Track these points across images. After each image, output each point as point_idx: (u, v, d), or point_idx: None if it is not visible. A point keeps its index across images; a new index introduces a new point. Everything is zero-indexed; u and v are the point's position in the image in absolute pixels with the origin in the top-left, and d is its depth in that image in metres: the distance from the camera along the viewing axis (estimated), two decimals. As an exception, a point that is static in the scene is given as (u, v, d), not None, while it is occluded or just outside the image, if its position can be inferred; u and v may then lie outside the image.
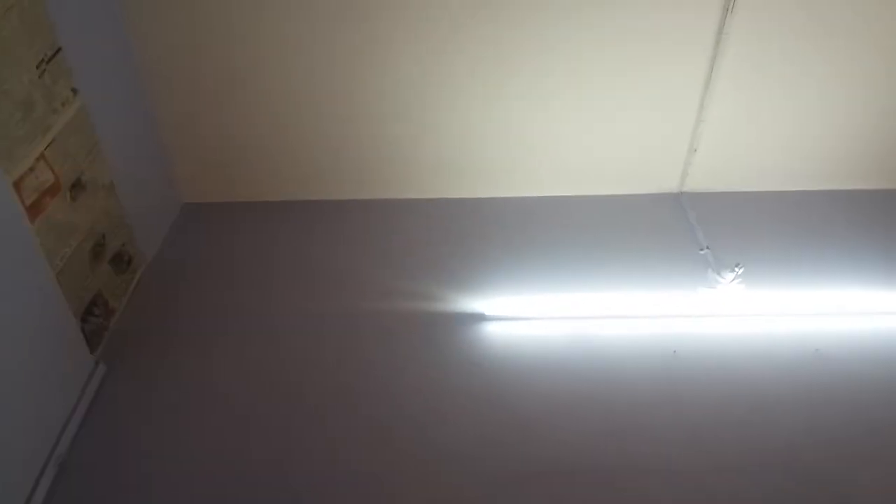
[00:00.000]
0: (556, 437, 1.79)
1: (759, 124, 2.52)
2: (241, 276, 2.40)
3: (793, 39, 2.28)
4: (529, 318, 2.16)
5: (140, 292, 2.32)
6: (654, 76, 2.38)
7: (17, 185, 1.69)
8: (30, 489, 1.64)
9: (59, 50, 1.84)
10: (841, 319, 2.14)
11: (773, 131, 2.54)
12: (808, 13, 2.21)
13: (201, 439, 1.82)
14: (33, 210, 1.75)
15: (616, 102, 2.46)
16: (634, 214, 2.63)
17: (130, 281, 2.32)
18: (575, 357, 2.03)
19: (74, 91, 1.93)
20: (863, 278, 2.27)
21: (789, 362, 2.00)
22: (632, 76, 2.38)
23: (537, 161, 2.63)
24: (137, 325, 2.19)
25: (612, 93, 2.43)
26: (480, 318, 2.16)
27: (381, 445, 1.79)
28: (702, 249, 2.32)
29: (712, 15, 2.21)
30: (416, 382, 1.98)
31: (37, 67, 1.75)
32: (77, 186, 1.97)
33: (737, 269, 2.07)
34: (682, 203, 2.66)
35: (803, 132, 2.54)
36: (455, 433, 1.81)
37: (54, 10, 1.80)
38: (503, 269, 2.37)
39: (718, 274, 2.13)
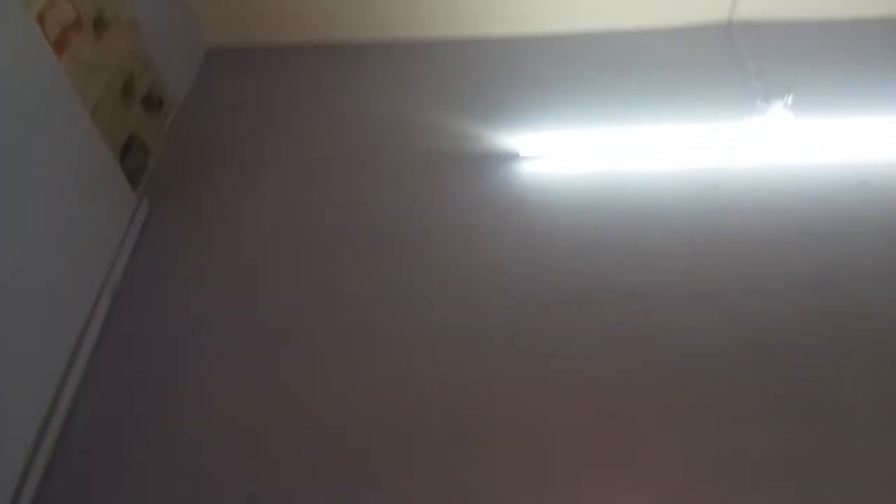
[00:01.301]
0: (588, 268, 1.81)
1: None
2: (273, 119, 2.37)
3: None
4: (566, 154, 2.12)
5: (175, 134, 2.32)
6: None
7: (40, 18, 1.65)
8: (88, 314, 1.74)
9: None
10: (890, 151, 2.05)
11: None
12: None
13: (245, 274, 1.89)
14: (59, 46, 1.72)
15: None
16: (680, 47, 2.49)
17: (164, 123, 2.32)
18: (611, 192, 2.00)
19: (87, -82, 1.83)
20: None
21: (835, 194, 1.95)
22: None
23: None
24: (175, 166, 2.21)
25: None
26: (515, 156, 2.13)
27: (420, 275, 1.84)
28: (752, 79, 2.20)
29: None
30: (452, 217, 1.99)
31: None
32: (100, 24, 1.92)
33: (787, 98, 1.97)
34: (731, 34, 2.49)
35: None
36: (490, 263, 1.85)
37: None
38: (542, 106, 2.30)
39: (767, 102, 2.04)
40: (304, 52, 2.64)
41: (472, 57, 2.55)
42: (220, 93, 2.50)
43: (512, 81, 2.41)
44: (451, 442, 1.49)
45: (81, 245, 1.76)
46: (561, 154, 2.10)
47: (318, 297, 1.80)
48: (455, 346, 1.66)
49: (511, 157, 2.12)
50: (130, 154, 2.06)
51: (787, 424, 1.48)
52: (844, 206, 1.91)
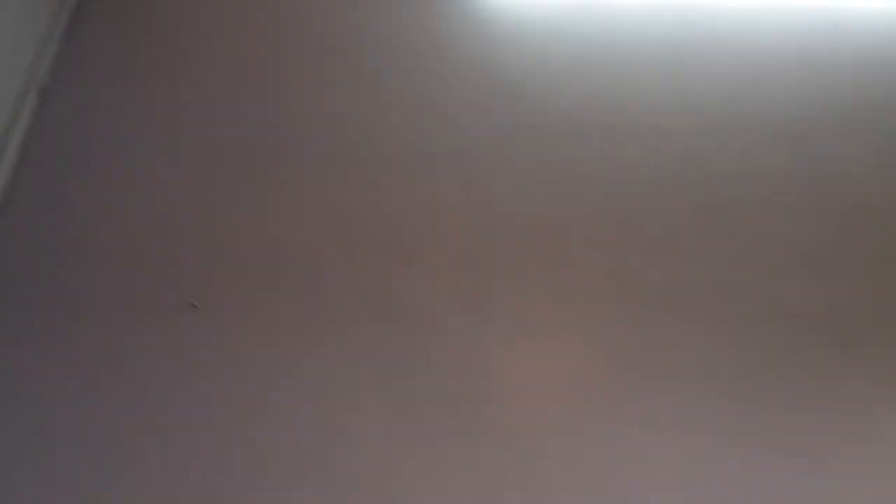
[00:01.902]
0: (550, 99, 1.74)
1: None
2: None
3: None
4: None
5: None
6: None
7: None
8: (10, 113, 1.61)
9: None
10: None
11: None
12: None
13: (184, 76, 1.76)
14: None
15: None
16: None
17: None
18: (578, 23, 1.91)
19: None
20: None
21: (803, 35, 1.89)
22: None
23: None
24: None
25: None
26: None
27: (372, 97, 1.74)
28: None
29: None
30: (413, 43, 1.87)
31: None
32: None
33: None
34: None
35: None
36: (451, 91, 1.76)
37: None
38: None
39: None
40: None
41: None
42: None
43: None
44: (396, 262, 1.47)
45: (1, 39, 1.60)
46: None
47: (260, 105, 1.70)
48: (406, 169, 1.61)
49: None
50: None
51: (719, 259, 1.51)
52: (814, 49, 1.87)
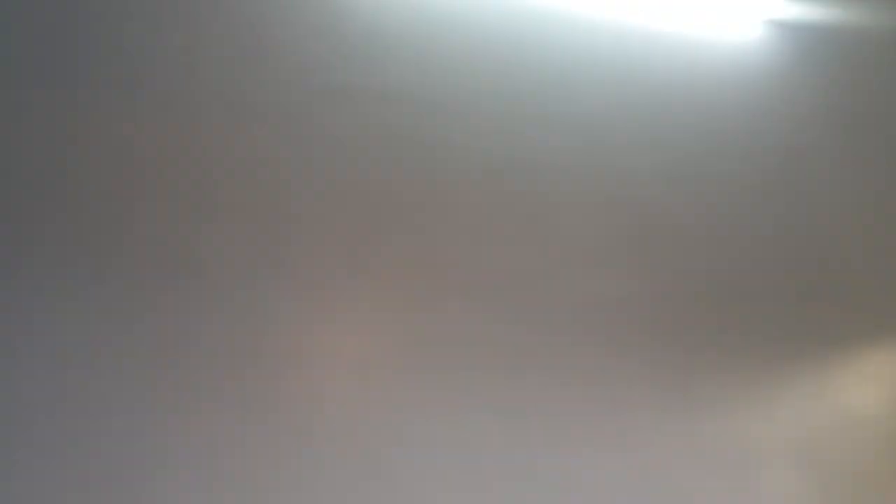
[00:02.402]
0: (382, 63, 1.62)
1: None
2: None
3: None
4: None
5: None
6: None
7: None
8: None
9: None
10: None
11: None
12: None
13: None
14: None
15: None
16: None
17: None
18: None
19: None
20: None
21: (614, 44, 1.77)
22: None
23: None
24: None
25: None
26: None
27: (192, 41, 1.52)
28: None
29: None
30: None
31: None
32: None
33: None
34: None
35: None
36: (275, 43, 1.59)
37: None
38: None
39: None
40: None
41: None
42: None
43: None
44: (194, 215, 1.39)
45: None
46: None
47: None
48: (218, 119, 1.48)
49: None
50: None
51: (516, 247, 1.52)
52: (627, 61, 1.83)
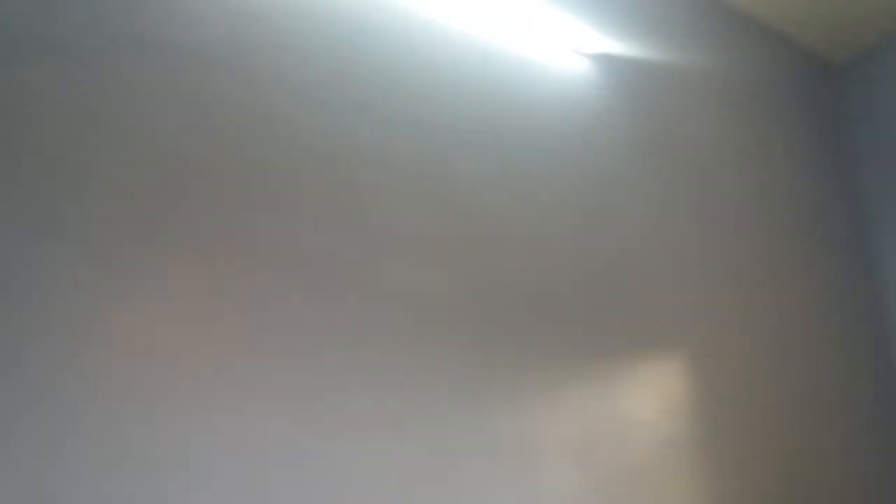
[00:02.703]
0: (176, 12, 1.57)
1: None
2: None
3: None
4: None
5: None
6: None
7: None
8: None
9: None
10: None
11: None
12: None
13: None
14: None
15: None
16: None
17: None
18: None
19: None
20: None
21: (455, 53, 1.96)
22: None
23: None
24: None
25: None
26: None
27: None
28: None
29: None
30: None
31: None
32: None
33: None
34: None
35: None
36: None
37: None
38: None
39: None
40: None
41: None
42: None
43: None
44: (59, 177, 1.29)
45: None
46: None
47: None
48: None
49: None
50: None
51: (344, 234, 1.55)
52: (466, 70, 1.94)
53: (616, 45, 2.11)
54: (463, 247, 1.62)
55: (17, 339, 1.16)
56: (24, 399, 1.13)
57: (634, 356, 1.75)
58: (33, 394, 1.14)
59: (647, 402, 1.73)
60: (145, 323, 1.27)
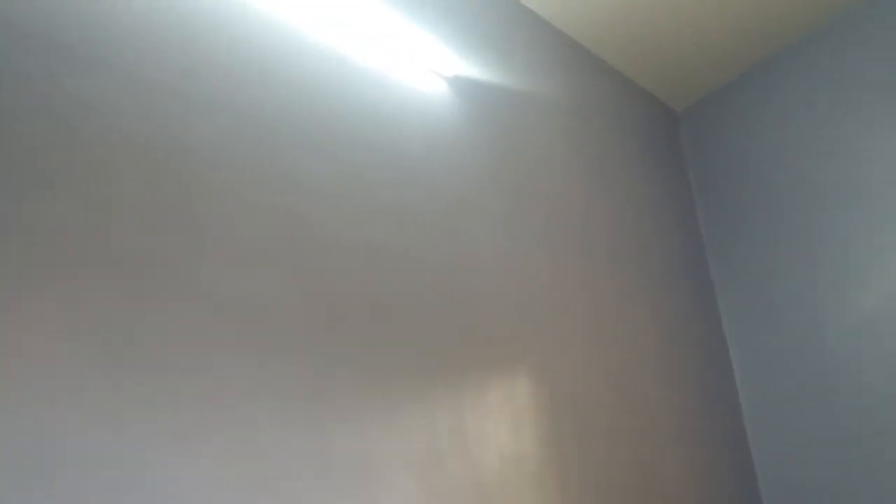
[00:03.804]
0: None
1: None
2: None
3: None
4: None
5: None
6: None
7: None
8: None
9: None
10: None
11: None
12: None
13: None
14: None
15: None
16: None
17: None
18: None
19: None
20: None
21: (306, 62, 1.89)
22: None
23: None
24: None
25: None
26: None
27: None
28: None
29: None
30: None
31: None
32: None
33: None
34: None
35: None
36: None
37: None
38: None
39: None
40: None
41: None
42: None
43: None
44: None
45: None
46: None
47: None
48: None
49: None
50: None
51: (179, 233, 1.50)
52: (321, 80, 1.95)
53: (473, 69, 2.17)
54: (301, 253, 1.55)
55: None
56: None
57: (480, 372, 1.75)
58: None
59: (492, 418, 1.72)
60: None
